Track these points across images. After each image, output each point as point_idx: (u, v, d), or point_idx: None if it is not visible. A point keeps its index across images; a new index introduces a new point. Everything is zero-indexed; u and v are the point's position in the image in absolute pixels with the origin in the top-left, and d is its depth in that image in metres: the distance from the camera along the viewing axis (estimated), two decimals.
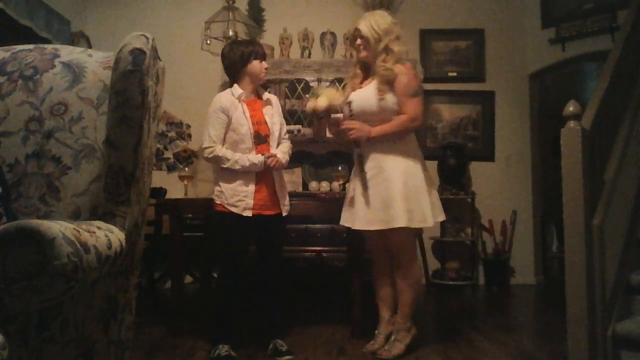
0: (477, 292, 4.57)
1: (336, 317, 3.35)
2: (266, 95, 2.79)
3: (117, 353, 1.32)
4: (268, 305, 2.76)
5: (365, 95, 2.63)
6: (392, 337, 2.66)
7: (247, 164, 2.58)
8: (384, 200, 2.53)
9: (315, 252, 4.11)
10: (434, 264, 4.83)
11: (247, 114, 2.64)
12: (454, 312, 3.85)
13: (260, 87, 2.82)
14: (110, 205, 1.28)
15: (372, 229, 2.57)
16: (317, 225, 4.18)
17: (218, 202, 2.64)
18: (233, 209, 2.59)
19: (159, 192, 4.05)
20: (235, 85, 2.69)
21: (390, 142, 2.59)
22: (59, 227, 0.95)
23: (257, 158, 2.60)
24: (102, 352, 1.23)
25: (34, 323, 1.00)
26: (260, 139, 2.67)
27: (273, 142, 2.72)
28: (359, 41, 2.66)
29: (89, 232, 1.06)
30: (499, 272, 4.71)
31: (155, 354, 2.70)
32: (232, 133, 2.62)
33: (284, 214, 2.73)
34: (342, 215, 2.76)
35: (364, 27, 2.62)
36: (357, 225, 2.62)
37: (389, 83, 2.57)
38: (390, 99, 2.57)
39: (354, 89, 2.72)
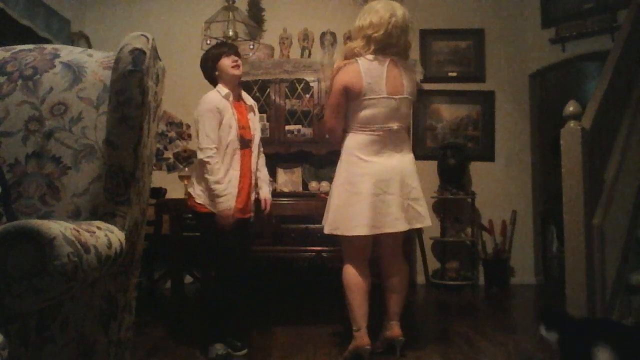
0: (477, 292, 4.57)
1: (336, 317, 3.35)
2: (250, 100, 2.83)
3: (117, 353, 1.32)
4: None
5: None
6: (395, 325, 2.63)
7: (227, 205, 2.55)
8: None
9: (315, 252, 4.09)
10: (434, 264, 4.82)
11: (235, 117, 2.65)
12: (454, 312, 3.85)
13: (241, 87, 2.83)
14: (110, 205, 1.28)
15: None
16: (317, 225, 4.13)
17: (200, 201, 2.62)
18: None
19: (159, 192, 4.05)
20: (219, 85, 2.70)
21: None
22: (59, 227, 0.95)
23: (230, 205, 2.57)
24: (102, 352, 1.23)
25: (34, 323, 1.00)
26: (244, 143, 2.69)
27: (254, 148, 2.76)
28: None
29: (89, 232, 1.06)
30: (499, 272, 4.71)
31: (155, 354, 2.69)
32: (221, 134, 2.61)
33: (252, 219, 2.80)
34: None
35: None
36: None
37: None
38: None
39: None
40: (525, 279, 4.85)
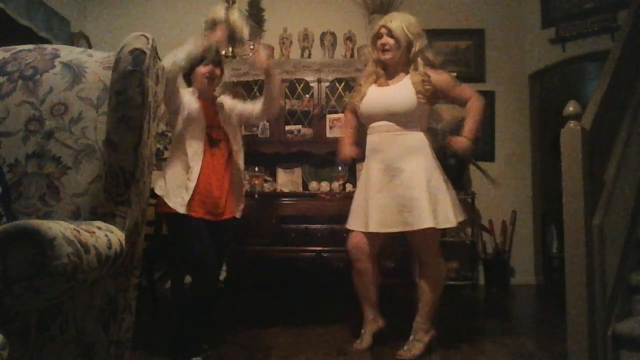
0: (477, 292, 4.57)
1: (336, 317, 3.35)
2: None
3: (117, 353, 1.32)
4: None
5: (399, 94, 2.64)
6: (411, 337, 2.64)
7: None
8: (405, 202, 2.50)
9: (315, 252, 4.10)
10: None
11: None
12: (454, 312, 3.85)
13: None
14: (110, 205, 1.28)
15: (391, 231, 2.53)
16: (317, 225, 4.17)
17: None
18: None
19: None
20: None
21: (409, 141, 2.61)
22: (59, 227, 0.95)
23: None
24: (102, 352, 1.23)
25: (34, 323, 1.00)
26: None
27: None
28: (386, 40, 2.60)
29: (89, 232, 1.06)
30: (499, 272, 4.71)
31: (155, 354, 2.69)
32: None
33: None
34: (352, 219, 2.67)
35: (396, 27, 2.57)
36: (374, 228, 2.53)
37: (425, 90, 2.62)
38: (424, 105, 2.66)
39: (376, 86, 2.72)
40: (525, 279, 4.85)
